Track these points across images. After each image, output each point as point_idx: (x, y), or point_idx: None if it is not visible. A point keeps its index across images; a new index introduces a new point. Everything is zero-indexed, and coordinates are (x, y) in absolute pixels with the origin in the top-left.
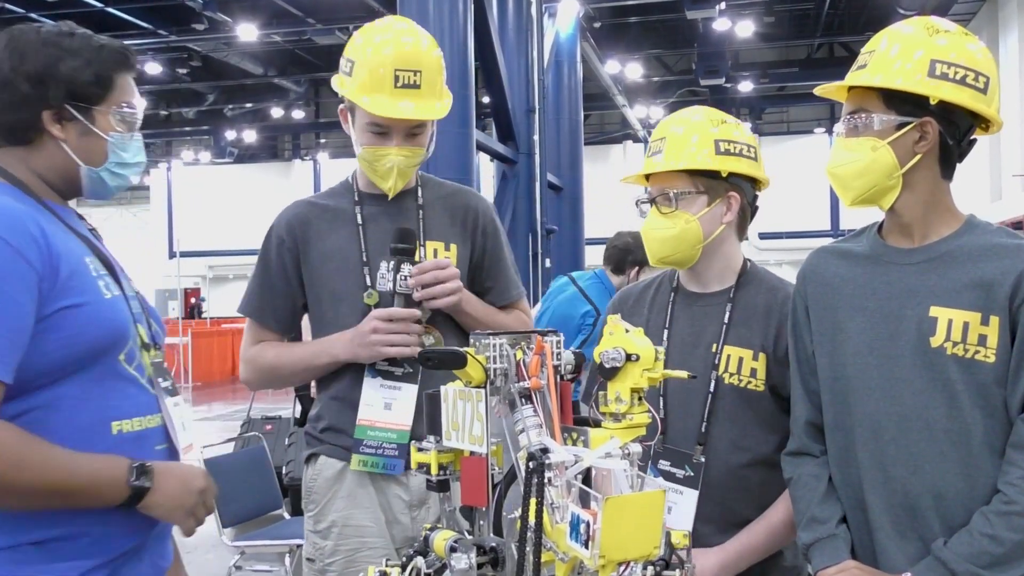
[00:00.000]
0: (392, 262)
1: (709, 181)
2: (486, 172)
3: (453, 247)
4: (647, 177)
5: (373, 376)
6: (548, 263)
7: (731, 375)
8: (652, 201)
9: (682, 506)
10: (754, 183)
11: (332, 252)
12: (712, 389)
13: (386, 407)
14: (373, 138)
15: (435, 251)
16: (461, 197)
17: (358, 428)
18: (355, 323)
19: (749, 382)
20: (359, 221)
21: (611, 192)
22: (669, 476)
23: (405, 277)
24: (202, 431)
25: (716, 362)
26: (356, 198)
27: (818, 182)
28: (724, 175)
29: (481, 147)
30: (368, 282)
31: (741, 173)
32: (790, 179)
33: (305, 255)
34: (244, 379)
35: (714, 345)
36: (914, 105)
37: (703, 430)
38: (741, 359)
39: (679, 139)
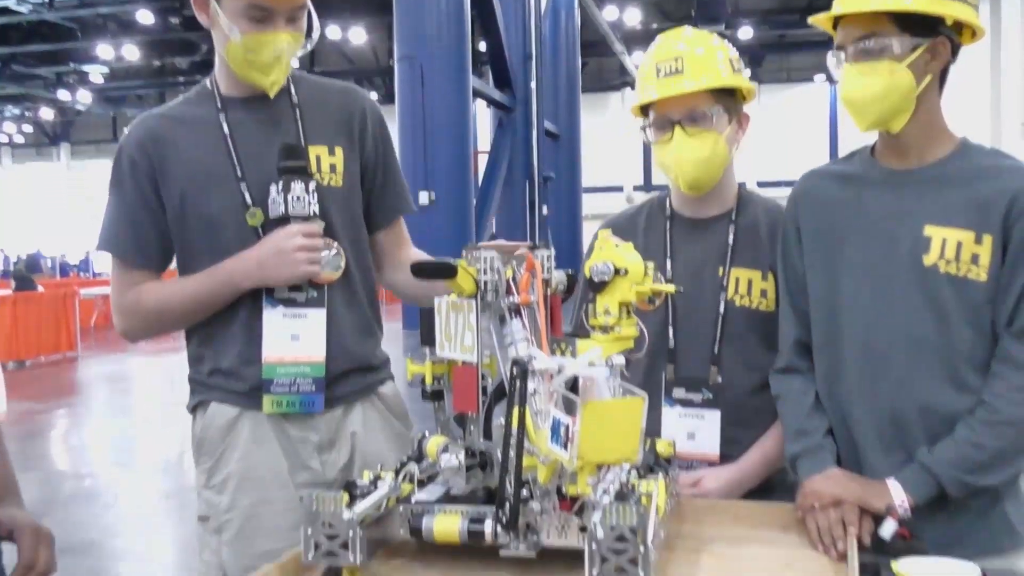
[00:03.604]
0: (280, 183)
1: (728, 99)
2: (482, 119)
3: (339, 151)
4: (643, 109)
5: (274, 306)
6: (545, 211)
7: (741, 297)
8: (674, 123)
9: (706, 430)
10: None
11: (197, 170)
12: (722, 311)
13: (293, 339)
14: (252, 24)
15: (317, 157)
16: (343, 95)
17: (265, 367)
18: (237, 249)
19: (760, 303)
20: (226, 130)
21: (609, 140)
22: (687, 403)
23: (298, 196)
24: None
25: (724, 284)
26: (219, 104)
27: (818, 130)
28: (744, 91)
29: (477, 94)
30: (248, 200)
31: (747, 89)
32: (790, 127)
33: (164, 177)
34: (123, 330)
35: (720, 268)
36: (923, 26)
37: (715, 351)
38: (750, 281)
39: (699, 59)
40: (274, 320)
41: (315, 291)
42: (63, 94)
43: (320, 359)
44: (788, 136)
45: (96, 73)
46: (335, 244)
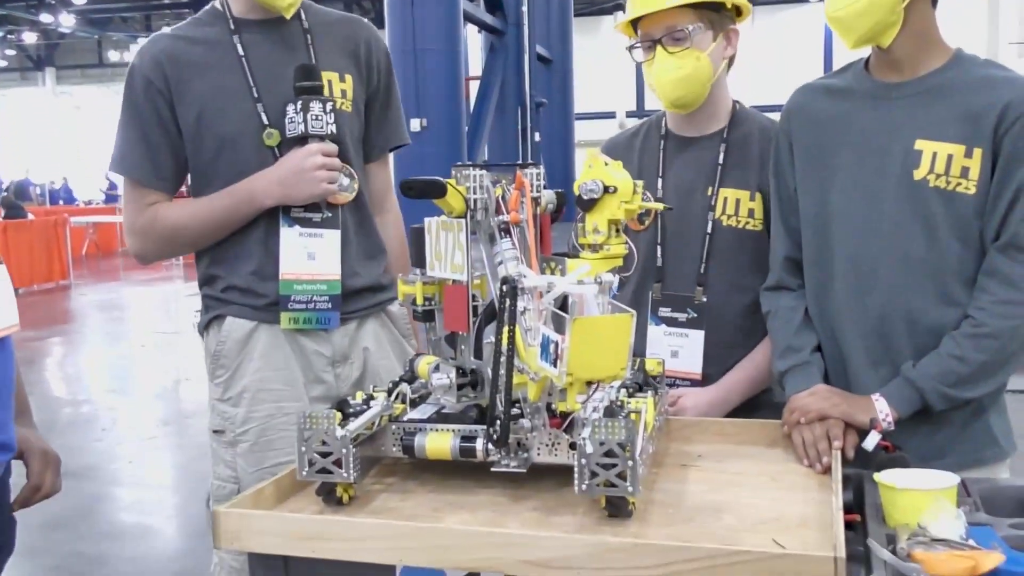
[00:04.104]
0: (299, 103)
1: (712, 14)
2: (474, 44)
3: (348, 78)
4: (633, 24)
5: (291, 225)
6: (538, 137)
7: (729, 216)
8: (656, 42)
9: (689, 348)
10: (738, 14)
11: (214, 90)
12: (710, 231)
13: (309, 257)
14: None
15: (329, 82)
16: (351, 26)
17: (283, 283)
18: (254, 169)
19: (747, 222)
20: (240, 51)
21: (602, 65)
22: (672, 322)
23: (317, 116)
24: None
25: (712, 204)
26: (232, 25)
27: (813, 52)
28: (728, 6)
29: (468, 18)
30: (265, 120)
31: (736, 4)
32: (785, 50)
33: (180, 97)
34: (138, 251)
35: (710, 188)
36: None
37: (702, 271)
38: (738, 200)
39: None
40: (291, 239)
41: (330, 212)
42: (45, 16)
43: (336, 277)
44: (783, 59)
45: None
46: (348, 167)
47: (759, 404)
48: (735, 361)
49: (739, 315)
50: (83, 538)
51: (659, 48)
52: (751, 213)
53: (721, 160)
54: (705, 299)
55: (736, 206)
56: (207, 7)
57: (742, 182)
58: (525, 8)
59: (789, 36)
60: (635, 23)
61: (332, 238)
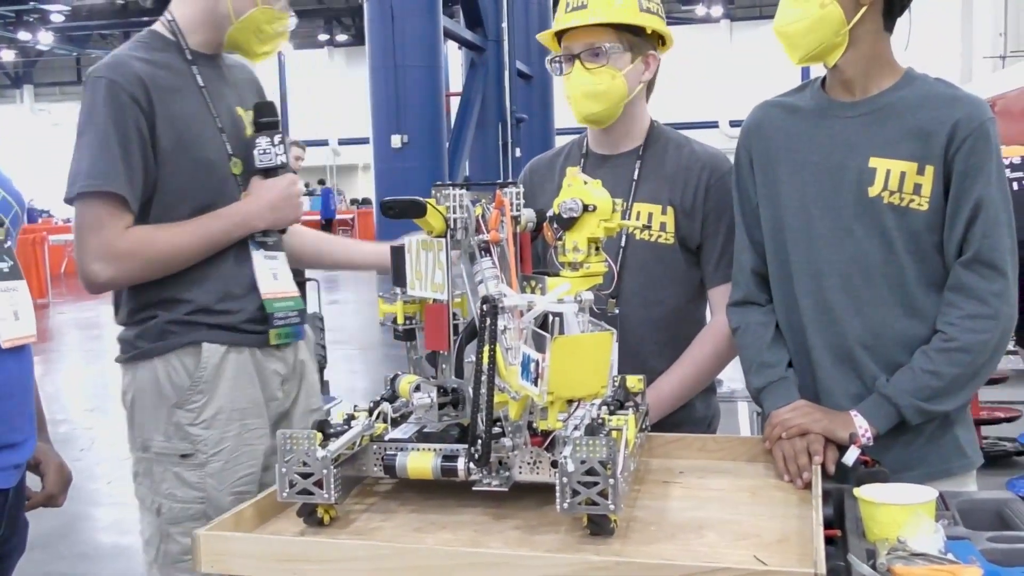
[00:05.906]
0: (275, 136)
1: (633, 38)
2: (454, 60)
3: (250, 112)
4: (558, 37)
5: (257, 248)
6: (518, 152)
7: (641, 230)
8: (575, 57)
9: None
10: (661, 44)
11: (189, 115)
12: (623, 244)
13: (275, 277)
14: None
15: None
16: (246, 67)
17: (266, 303)
18: (221, 194)
19: (659, 236)
20: (200, 82)
21: None
22: None
23: (283, 150)
24: None
25: (627, 217)
26: (189, 56)
27: (790, 69)
28: (648, 32)
29: (448, 34)
30: (229, 149)
31: (659, 32)
32: (764, 65)
33: (162, 119)
34: (112, 276)
35: (624, 203)
36: None
37: (615, 283)
38: (651, 214)
39: None
40: (259, 261)
41: (276, 236)
42: (23, 34)
43: (297, 293)
44: (762, 74)
45: (56, 12)
46: None
47: (681, 420)
48: (648, 374)
49: (652, 328)
50: (62, 558)
51: (577, 63)
52: (663, 227)
53: (636, 175)
54: (618, 311)
55: (649, 219)
56: (145, 34)
57: (655, 197)
58: (505, 24)
59: (768, 51)
60: (559, 36)
61: (283, 259)
